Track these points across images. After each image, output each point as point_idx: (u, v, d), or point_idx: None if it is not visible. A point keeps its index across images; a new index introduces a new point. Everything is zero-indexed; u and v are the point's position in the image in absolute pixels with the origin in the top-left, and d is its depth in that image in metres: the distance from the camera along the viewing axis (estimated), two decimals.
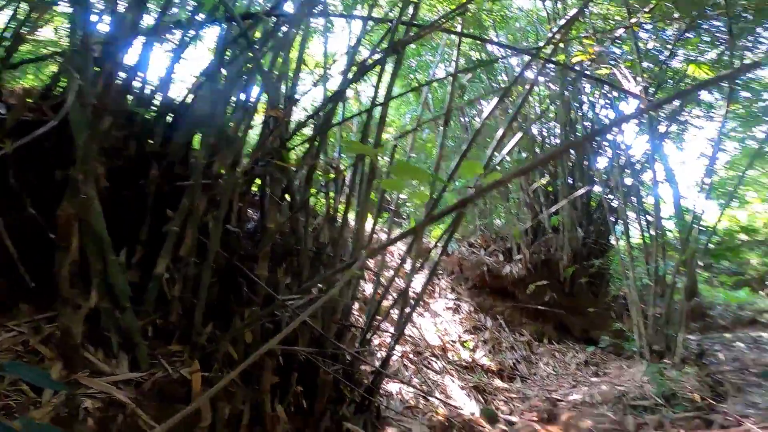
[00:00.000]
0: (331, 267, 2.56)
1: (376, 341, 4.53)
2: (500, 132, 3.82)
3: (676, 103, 7.08)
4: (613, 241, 6.85)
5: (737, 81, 6.71)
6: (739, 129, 9.33)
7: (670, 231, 7.73)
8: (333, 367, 2.62)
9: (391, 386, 4.07)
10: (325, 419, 2.58)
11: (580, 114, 7.50)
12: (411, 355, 4.84)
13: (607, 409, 4.08)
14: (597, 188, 7.04)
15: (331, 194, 3.00)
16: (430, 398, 4.07)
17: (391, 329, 3.68)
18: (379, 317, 3.51)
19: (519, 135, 5.48)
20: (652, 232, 5.53)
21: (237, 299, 2.27)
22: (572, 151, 7.29)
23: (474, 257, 7.03)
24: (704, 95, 7.66)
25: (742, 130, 9.14)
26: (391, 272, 4.02)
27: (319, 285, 2.34)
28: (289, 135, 2.76)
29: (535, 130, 7.59)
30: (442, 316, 6.12)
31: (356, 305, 4.76)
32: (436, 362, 4.89)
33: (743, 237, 8.43)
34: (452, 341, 5.66)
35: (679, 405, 3.91)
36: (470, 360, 5.35)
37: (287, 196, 2.75)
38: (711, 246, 5.98)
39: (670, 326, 4.99)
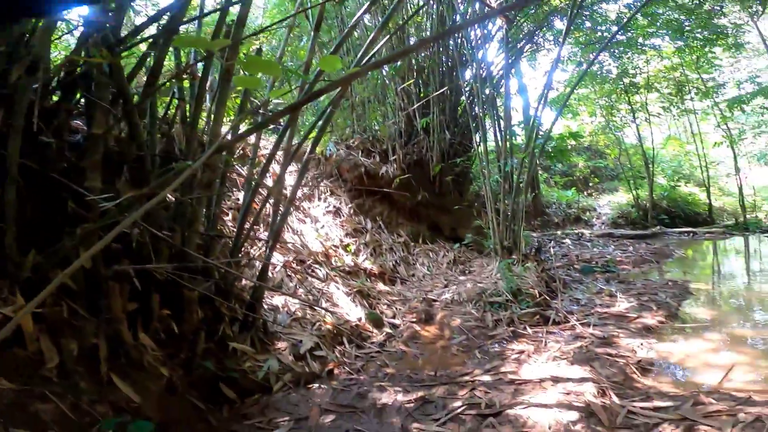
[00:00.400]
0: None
1: (255, 253, 4.36)
2: (372, 34, 3.65)
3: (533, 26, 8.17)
4: (474, 145, 7.41)
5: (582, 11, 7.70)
6: (578, 53, 10.58)
7: (519, 135, 8.78)
8: (205, 284, 2.38)
9: (277, 299, 4.02)
10: (200, 341, 2.41)
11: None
12: (294, 265, 4.78)
13: (471, 307, 4.66)
14: (463, 97, 7.55)
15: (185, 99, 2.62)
16: (316, 308, 4.13)
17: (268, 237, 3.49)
18: (257, 227, 3.28)
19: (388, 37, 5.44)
20: (504, 136, 6.10)
21: (63, 218, 1.82)
22: (444, 62, 7.70)
23: (352, 159, 7.02)
24: (557, 22, 8.83)
25: (582, 54, 10.35)
26: (268, 179, 3.71)
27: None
28: (122, 37, 2.17)
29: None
30: (322, 221, 6.03)
31: (230, 215, 4.44)
32: (320, 269, 4.93)
33: (572, 142, 9.70)
34: (334, 246, 5.70)
35: (524, 301, 4.56)
36: (353, 264, 5.50)
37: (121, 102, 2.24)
38: (548, 149, 6.89)
39: (516, 222, 5.71)
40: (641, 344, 3.50)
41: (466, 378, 2.93)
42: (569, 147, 9.96)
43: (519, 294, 4.64)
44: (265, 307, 3.81)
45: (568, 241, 9.85)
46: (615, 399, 2.45)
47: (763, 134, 14.84)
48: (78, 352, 1.87)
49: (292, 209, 5.06)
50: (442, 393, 2.70)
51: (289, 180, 5.50)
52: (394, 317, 4.59)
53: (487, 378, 2.91)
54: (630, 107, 12.56)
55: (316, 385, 2.93)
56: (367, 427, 2.35)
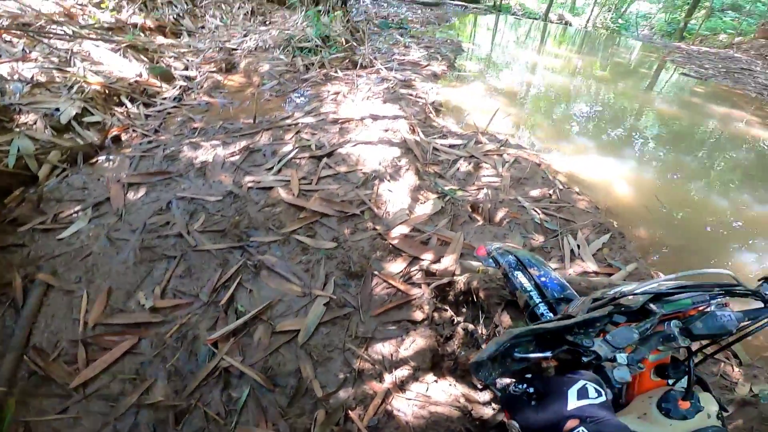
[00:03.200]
0: None
1: None
2: None
3: None
4: None
5: None
6: None
7: None
8: None
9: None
10: None
11: None
12: (13, 30, 3.19)
13: (280, 53, 4.18)
14: None
15: None
16: (69, 69, 2.99)
17: None
18: None
19: None
20: None
21: None
22: None
23: None
24: None
25: None
26: None
27: None
28: None
29: None
30: None
31: None
32: (61, 29, 3.47)
33: None
34: (80, 4, 4.09)
35: (333, 46, 4.40)
36: (114, 21, 4.12)
37: None
38: None
39: None
40: (432, 87, 3.95)
41: (289, 122, 2.78)
42: None
43: (328, 40, 4.49)
44: None
45: (367, 0, 9.77)
46: (422, 136, 2.75)
47: None
48: None
49: None
50: (267, 140, 2.52)
51: None
52: (186, 69, 3.82)
53: (310, 119, 2.83)
54: None
55: (103, 157, 2.35)
56: (192, 192, 2.04)
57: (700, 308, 0.62)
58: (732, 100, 5.70)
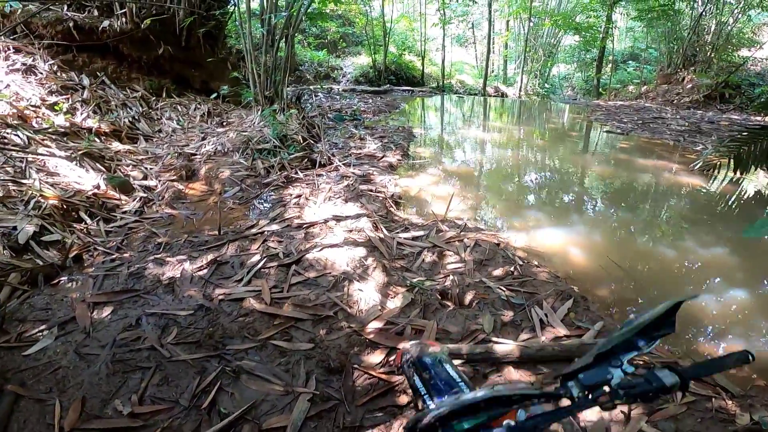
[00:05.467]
0: None
1: None
2: None
3: None
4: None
5: None
6: None
7: None
8: None
9: None
10: None
11: None
12: None
13: (239, 156, 4.32)
14: None
15: None
16: (24, 181, 3.02)
17: None
18: None
19: None
20: None
21: None
22: None
23: (51, 14, 5.37)
24: None
25: None
26: None
27: None
28: None
29: None
30: (5, 80, 4.31)
31: None
32: (15, 134, 3.54)
33: (332, 6, 9.72)
34: (33, 106, 4.19)
35: (291, 146, 4.59)
36: (69, 125, 4.21)
37: None
38: (310, 10, 6.62)
39: (277, 74, 5.55)
40: (390, 180, 4.14)
41: (254, 230, 2.84)
42: (327, 11, 10.03)
43: (286, 140, 4.67)
44: None
45: (320, 94, 10.43)
46: (386, 232, 2.86)
47: (463, 22, 20.02)
48: None
49: None
50: (234, 251, 2.56)
51: None
52: (146, 178, 3.87)
53: (275, 227, 2.90)
54: None
55: (65, 278, 2.30)
56: (162, 307, 2.02)
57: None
58: (655, 150, 6.36)
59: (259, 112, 5.30)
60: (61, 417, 1.46)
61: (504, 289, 2.27)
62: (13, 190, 2.89)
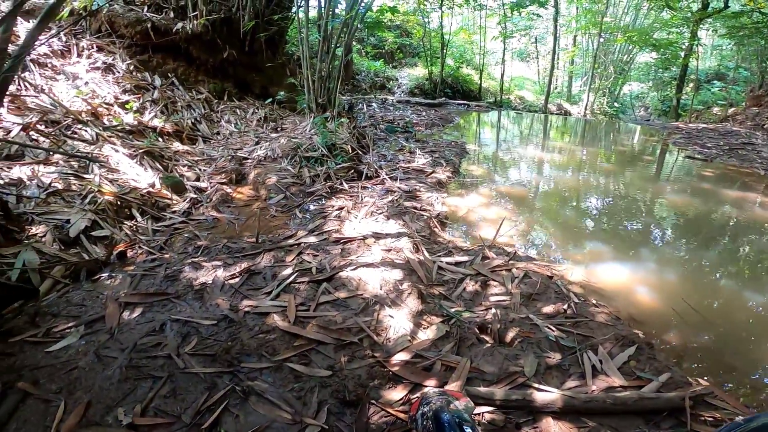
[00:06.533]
0: None
1: None
2: None
3: None
4: (295, 5, 6.63)
5: None
6: None
7: (341, 3, 8.15)
8: None
9: (17, 171, 2.91)
10: None
11: None
12: (42, 127, 3.50)
13: (287, 163, 4.33)
14: None
15: None
16: (86, 176, 3.17)
17: None
18: None
19: None
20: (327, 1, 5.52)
21: None
22: None
23: (132, 14, 5.72)
24: None
25: None
26: None
27: None
28: None
29: None
30: (86, 78, 4.65)
31: None
32: (85, 130, 3.77)
33: (389, 16, 9.80)
34: (107, 104, 4.45)
35: (339, 155, 4.53)
36: (137, 123, 4.45)
37: None
38: (367, 19, 6.64)
39: (331, 81, 5.53)
40: (437, 198, 3.93)
41: (291, 241, 2.76)
42: (385, 21, 10.06)
43: (334, 149, 4.60)
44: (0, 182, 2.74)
45: (374, 104, 10.41)
46: (426, 254, 2.67)
47: (525, 36, 19.16)
48: None
49: (22, 64, 3.79)
50: (269, 261, 2.49)
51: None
52: (198, 180, 3.96)
53: (312, 239, 2.81)
54: None
55: (105, 274, 2.33)
56: (187, 314, 1.97)
57: None
58: (742, 180, 5.64)
59: (312, 120, 5.33)
60: (61, 420, 1.42)
61: (553, 328, 2.01)
62: (74, 184, 3.04)
